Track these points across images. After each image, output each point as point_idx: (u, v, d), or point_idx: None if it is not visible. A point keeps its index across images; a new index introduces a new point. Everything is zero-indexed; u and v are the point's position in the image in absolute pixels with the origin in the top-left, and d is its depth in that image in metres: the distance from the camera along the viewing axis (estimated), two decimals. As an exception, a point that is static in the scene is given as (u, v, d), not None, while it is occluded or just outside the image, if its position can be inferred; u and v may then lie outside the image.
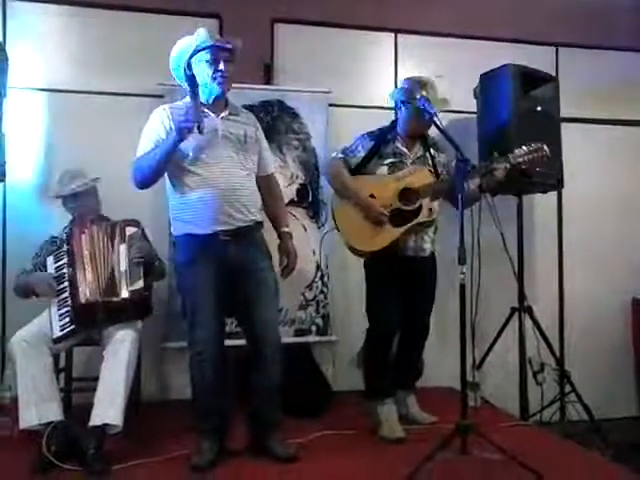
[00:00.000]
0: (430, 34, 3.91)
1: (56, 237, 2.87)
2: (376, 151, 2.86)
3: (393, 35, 3.92)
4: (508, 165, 2.62)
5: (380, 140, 2.87)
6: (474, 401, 3.14)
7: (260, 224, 2.57)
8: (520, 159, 2.62)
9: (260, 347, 2.50)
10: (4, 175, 3.02)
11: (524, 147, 2.63)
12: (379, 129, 2.93)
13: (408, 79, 2.91)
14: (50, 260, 2.73)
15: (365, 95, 3.83)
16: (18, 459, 2.42)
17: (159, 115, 2.50)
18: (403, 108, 2.87)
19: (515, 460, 2.23)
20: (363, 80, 3.87)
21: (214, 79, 2.44)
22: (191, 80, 2.36)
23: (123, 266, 2.65)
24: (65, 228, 2.90)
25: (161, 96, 3.41)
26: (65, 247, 2.70)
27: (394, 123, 2.96)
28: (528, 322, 3.46)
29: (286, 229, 2.66)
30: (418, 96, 2.69)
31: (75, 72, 3.49)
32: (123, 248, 2.69)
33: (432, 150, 2.92)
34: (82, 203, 2.86)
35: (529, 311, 3.48)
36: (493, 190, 2.87)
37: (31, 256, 2.85)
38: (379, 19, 3.85)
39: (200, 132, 2.32)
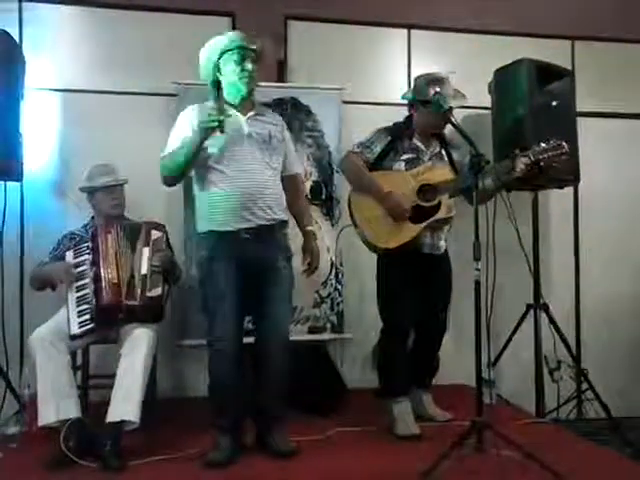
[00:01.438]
0: (443, 29, 3.89)
1: (75, 233, 2.89)
2: (392, 147, 2.85)
3: (406, 31, 3.90)
4: (530, 159, 2.57)
5: (396, 135, 2.86)
6: (489, 398, 3.12)
7: (284, 223, 2.58)
8: (541, 156, 2.58)
9: (267, 344, 2.54)
10: (22, 175, 3.05)
11: (543, 144, 2.59)
12: (394, 124, 2.92)
13: (420, 76, 2.88)
14: (69, 255, 2.74)
15: (379, 91, 3.82)
16: (37, 455, 2.45)
17: (187, 114, 2.53)
18: (419, 107, 2.84)
19: (531, 457, 2.21)
20: (376, 76, 3.86)
21: (240, 79, 2.48)
22: (214, 81, 2.39)
23: (144, 270, 2.66)
24: (86, 225, 2.92)
25: (175, 95, 3.43)
26: (89, 244, 2.69)
27: (409, 119, 2.94)
28: (544, 319, 3.43)
29: (310, 228, 2.68)
30: (432, 92, 2.67)
31: (90, 72, 3.52)
32: (146, 251, 2.70)
33: (448, 148, 2.91)
34: (112, 197, 2.87)
35: (545, 308, 3.45)
36: (509, 186, 2.84)
37: (46, 255, 2.86)
38: (392, 15, 3.83)
39: (221, 131, 2.34)
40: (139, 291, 2.63)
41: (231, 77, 2.49)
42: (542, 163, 2.61)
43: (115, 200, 2.88)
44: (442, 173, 2.79)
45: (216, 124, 2.30)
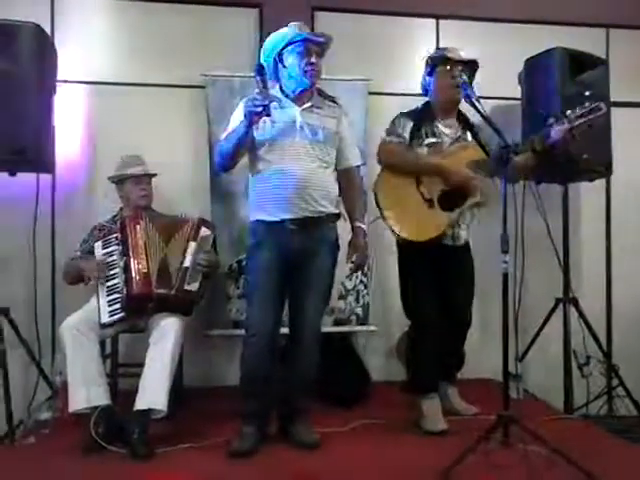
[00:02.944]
0: (473, 19, 3.82)
1: (105, 225, 2.93)
2: (416, 132, 2.77)
3: (434, 21, 3.85)
4: (567, 125, 2.49)
5: (418, 119, 2.79)
6: (516, 393, 3.09)
7: (332, 216, 2.56)
8: (577, 122, 2.49)
9: (298, 337, 2.56)
10: (53, 167, 3.11)
11: (578, 108, 2.51)
12: (412, 110, 2.85)
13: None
14: (98, 246, 2.78)
15: (406, 83, 3.76)
16: (68, 440, 2.52)
17: (244, 102, 2.50)
18: (432, 79, 2.81)
19: (558, 453, 2.18)
20: (404, 67, 3.80)
21: (305, 72, 2.48)
22: (259, 67, 2.38)
23: (187, 262, 2.68)
24: (115, 216, 2.96)
25: (203, 87, 3.45)
26: (118, 235, 2.72)
27: (426, 105, 2.86)
28: (573, 313, 3.37)
29: (358, 224, 2.63)
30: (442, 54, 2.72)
31: (119, 64, 3.56)
32: (193, 245, 2.72)
33: (474, 129, 2.82)
34: (141, 188, 2.91)
35: (574, 302, 3.39)
36: (543, 156, 2.68)
37: (79, 243, 2.92)
38: (420, 5, 3.78)
39: (267, 115, 2.34)
40: (178, 282, 2.65)
41: (294, 69, 2.49)
42: (581, 128, 2.51)
43: (143, 191, 2.92)
44: (472, 153, 2.70)
45: (260, 109, 2.30)
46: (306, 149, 2.48)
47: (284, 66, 2.52)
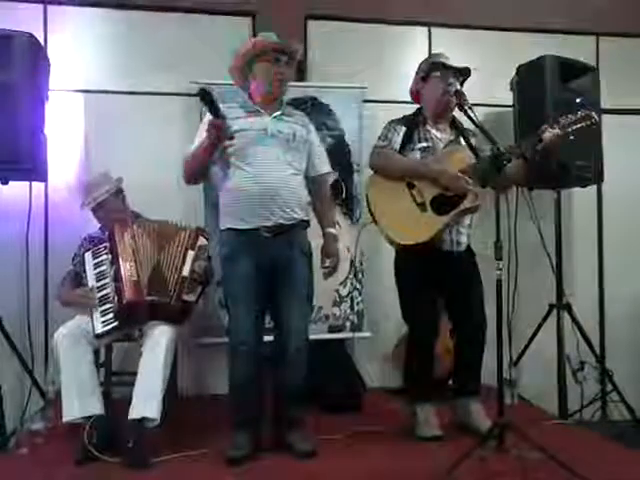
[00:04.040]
0: (465, 27, 3.86)
1: (93, 236, 2.92)
2: (408, 137, 2.76)
3: (427, 29, 3.88)
4: (559, 132, 2.49)
5: (410, 125, 2.78)
6: (511, 399, 3.09)
7: (304, 223, 2.58)
8: (569, 128, 2.49)
9: (285, 345, 2.55)
10: (46, 175, 3.10)
11: (571, 115, 2.52)
12: (404, 116, 2.84)
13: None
14: (88, 256, 2.77)
15: (399, 90, 3.77)
16: (61, 450, 2.50)
17: (204, 122, 2.51)
18: (425, 84, 2.80)
19: (553, 458, 2.18)
20: (397, 75, 3.83)
21: (271, 81, 2.51)
22: (205, 96, 2.31)
23: (185, 272, 2.67)
24: (103, 226, 2.95)
25: (195, 95, 3.45)
26: (107, 244, 2.71)
27: (418, 110, 2.86)
28: (567, 319, 3.38)
29: (330, 230, 2.66)
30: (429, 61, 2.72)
31: (112, 73, 3.56)
32: (191, 254, 2.72)
33: (465, 133, 2.79)
34: (106, 211, 2.85)
35: (568, 308, 3.40)
36: (535, 160, 2.65)
37: (71, 254, 2.90)
38: (413, 14, 3.81)
39: (231, 139, 2.38)
40: (177, 291, 2.64)
41: (263, 78, 2.52)
42: (572, 136, 2.51)
43: (112, 212, 2.85)
44: (461, 158, 2.67)
45: (217, 140, 2.35)
46: (278, 157, 2.50)
47: (253, 75, 2.55)
